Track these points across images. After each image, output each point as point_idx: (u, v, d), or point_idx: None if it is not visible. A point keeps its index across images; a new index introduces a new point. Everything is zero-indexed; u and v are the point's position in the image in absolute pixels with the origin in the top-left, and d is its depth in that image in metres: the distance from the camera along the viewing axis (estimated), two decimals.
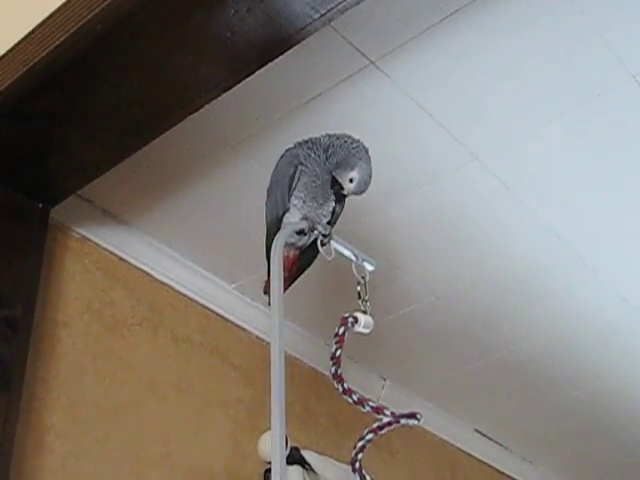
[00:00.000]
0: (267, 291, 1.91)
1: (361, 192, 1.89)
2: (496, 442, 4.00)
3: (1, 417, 2.15)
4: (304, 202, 1.87)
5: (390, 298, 3.08)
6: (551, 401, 3.71)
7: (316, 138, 1.89)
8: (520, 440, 4.01)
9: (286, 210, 1.89)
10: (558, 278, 3.05)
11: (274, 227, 1.89)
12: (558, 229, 2.85)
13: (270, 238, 1.87)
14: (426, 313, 3.18)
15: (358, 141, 1.89)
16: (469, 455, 3.91)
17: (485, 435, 3.95)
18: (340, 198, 1.89)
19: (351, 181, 1.85)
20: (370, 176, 1.89)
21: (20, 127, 2.17)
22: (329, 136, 1.89)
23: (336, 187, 1.86)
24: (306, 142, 1.89)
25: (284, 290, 1.88)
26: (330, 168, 1.85)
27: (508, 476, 4.08)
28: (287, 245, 1.86)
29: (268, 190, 1.96)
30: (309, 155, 1.87)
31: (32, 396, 2.38)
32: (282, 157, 1.93)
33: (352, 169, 1.85)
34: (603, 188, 2.71)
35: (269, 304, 1.92)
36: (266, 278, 1.88)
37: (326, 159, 1.86)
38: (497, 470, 4.03)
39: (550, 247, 2.91)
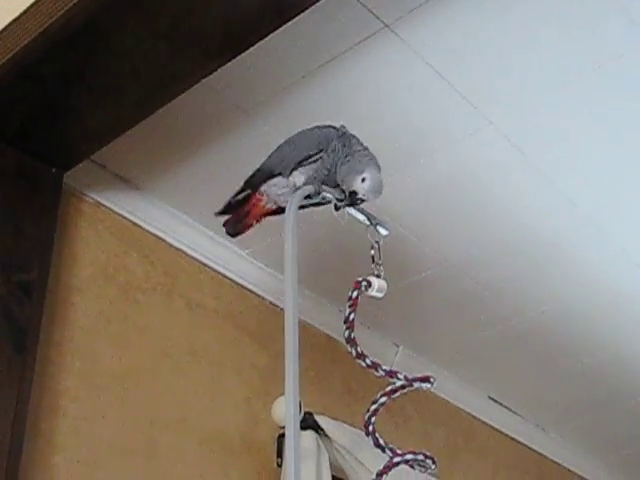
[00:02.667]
0: (226, 226, 1.98)
1: (376, 194, 1.83)
2: (509, 409, 4.00)
3: (16, 380, 2.16)
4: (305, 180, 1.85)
5: (403, 265, 3.08)
6: (564, 369, 3.71)
7: (356, 140, 1.86)
8: (533, 407, 4.02)
9: (280, 175, 1.87)
10: (572, 245, 3.04)
11: (263, 176, 1.89)
12: (573, 196, 2.83)
13: (254, 182, 1.90)
14: (439, 280, 3.18)
15: (368, 153, 1.85)
16: (482, 422, 3.92)
17: (498, 402, 3.95)
18: (356, 203, 1.84)
19: (363, 180, 1.80)
20: (381, 181, 1.84)
21: (33, 90, 2.17)
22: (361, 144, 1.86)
23: (351, 197, 1.81)
24: (349, 137, 1.86)
25: (241, 233, 1.96)
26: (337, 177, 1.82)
27: (521, 443, 4.09)
28: (273, 197, 1.88)
29: (284, 144, 1.93)
30: (338, 150, 1.84)
31: (46, 360, 2.39)
32: (319, 128, 1.90)
33: (361, 172, 1.80)
34: (619, 153, 2.69)
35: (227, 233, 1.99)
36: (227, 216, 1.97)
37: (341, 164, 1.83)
38: (510, 437, 4.04)
39: (565, 214, 2.90)
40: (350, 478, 2.95)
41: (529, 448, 4.13)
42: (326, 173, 1.82)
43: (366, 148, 1.86)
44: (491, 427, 3.95)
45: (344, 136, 1.86)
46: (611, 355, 3.61)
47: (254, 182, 1.91)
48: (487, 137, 2.60)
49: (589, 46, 2.36)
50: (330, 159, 1.83)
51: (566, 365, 3.69)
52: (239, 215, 1.96)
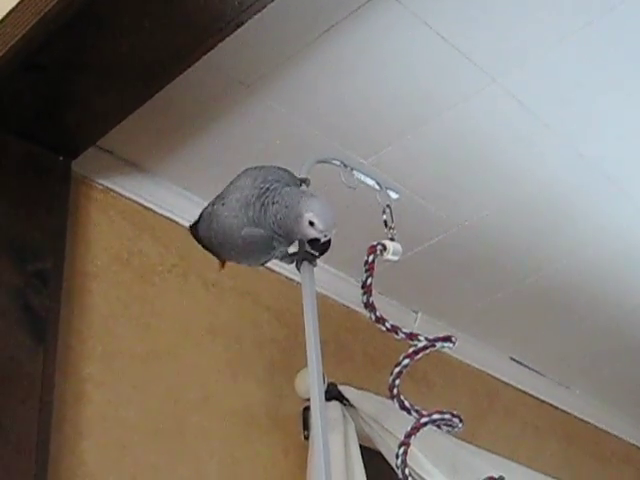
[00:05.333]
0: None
1: (333, 225, 1.63)
2: (532, 369, 4.00)
3: (39, 370, 2.18)
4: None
5: (416, 230, 3.07)
6: (584, 323, 3.70)
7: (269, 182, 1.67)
8: (556, 365, 4.01)
9: None
10: (585, 199, 3.03)
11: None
12: (582, 148, 2.82)
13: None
14: (454, 243, 3.17)
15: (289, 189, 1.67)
16: (506, 384, 3.92)
17: (521, 363, 3.95)
18: (318, 250, 1.66)
19: (312, 224, 1.61)
20: (328, 206, 1.64)
21: (35, 79, 2.17)
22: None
23: (314, 246, 1.64)
24: (258, 188, 1.67)
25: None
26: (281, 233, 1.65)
27: (545, 402, 4.09)
28: None
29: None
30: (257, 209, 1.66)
31: (67, 347, 2.40)
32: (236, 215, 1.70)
33: (302, 215, 1.61)
34: (626, 104, 2.67)
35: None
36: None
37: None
38: (534, 397, 4.04)
39: (575, 167, 2.88)
40: (378, 446, 2.96)
41: (554, 407, 4.12)
42: (277, 235, 1.67)
43: (277, 180, 1.67)
44: (515, 388, 3.95)
45: (253, 193, 1.67)
46: (631, 306, 3.60)
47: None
48: (492, 95, 2.58)
49: None
50: (268, 229, 1.66)
51: (586, 320, 3.68)
52: None
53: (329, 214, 1.63)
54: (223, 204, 1.73)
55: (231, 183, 1.75)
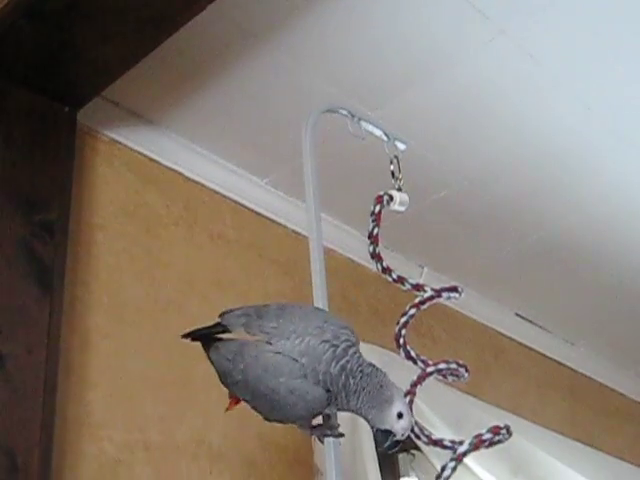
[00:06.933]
0: None
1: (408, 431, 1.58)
2: (537, 325, 4.00)
3: (45, 318, 2.18)
4: None
5: (422, 184, 3.06)
6: (591, 281, 3.70)
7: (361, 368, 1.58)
8: (561, 322, 4.02)
9: None
10: (592, 153, 3.01)
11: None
12: (591, 102, 2.79)
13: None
14: (460, 197, 3.16)
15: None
16: (511, 339, 3.93)
17: (526, 319, 3.95)
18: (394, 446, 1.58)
19: (400, 416, 1.56)
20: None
21: (38, 28, 2.15)
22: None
23: (386, 439, 1.57)
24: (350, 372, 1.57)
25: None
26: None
27: (550, 358, 4.10)
28: None
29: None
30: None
31: (74, 298, 2.40)
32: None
33: (391, 403, 1.56)
34: (636, 57, 2.65)
35: None
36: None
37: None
38: (539, 353, 4.05)
39: (584, 122, 2.86)
40: None
41: (559, 363, 4.14)
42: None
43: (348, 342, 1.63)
44: (520, 344, 3.96)
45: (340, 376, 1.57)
46: (637, 263, 3.59)
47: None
48: (500, 47, 2.56)
49: None
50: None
51: (592, 277, 3.67)
52: None
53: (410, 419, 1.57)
54: (270, 340, 1.64)
55: (281, 311, 1.66)
